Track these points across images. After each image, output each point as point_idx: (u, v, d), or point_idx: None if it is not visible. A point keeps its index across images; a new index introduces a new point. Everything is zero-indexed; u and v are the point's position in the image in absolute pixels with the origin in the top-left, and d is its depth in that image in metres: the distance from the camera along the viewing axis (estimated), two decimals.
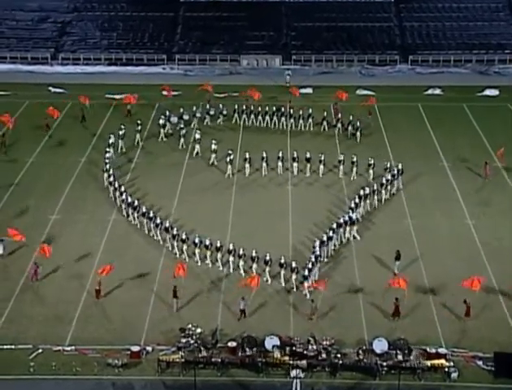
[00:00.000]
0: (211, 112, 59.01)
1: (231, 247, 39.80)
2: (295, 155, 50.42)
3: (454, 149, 54.38)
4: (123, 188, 46.19)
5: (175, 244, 41.34)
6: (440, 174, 51.05)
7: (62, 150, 54.63)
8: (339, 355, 32.74)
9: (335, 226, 41.69)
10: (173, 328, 34.61)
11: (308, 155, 50.11)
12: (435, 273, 39.53)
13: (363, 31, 79.68)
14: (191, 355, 32.77)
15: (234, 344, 33.29)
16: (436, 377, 32.32)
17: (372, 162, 49.00)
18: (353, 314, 36.28)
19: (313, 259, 38.65)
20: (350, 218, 42.61)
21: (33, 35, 79.40)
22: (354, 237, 42.58)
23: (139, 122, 56.27)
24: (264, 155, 50.07)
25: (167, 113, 58.20)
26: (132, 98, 60.83)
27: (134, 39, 79.12)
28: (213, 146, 52.02)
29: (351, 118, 56.68)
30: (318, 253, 39.20)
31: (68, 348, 33.83)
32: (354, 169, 49.25)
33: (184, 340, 33.40)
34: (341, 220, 42.45)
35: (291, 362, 32.46)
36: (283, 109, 58.58)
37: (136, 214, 44.11)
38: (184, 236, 40.98)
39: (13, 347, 33.91)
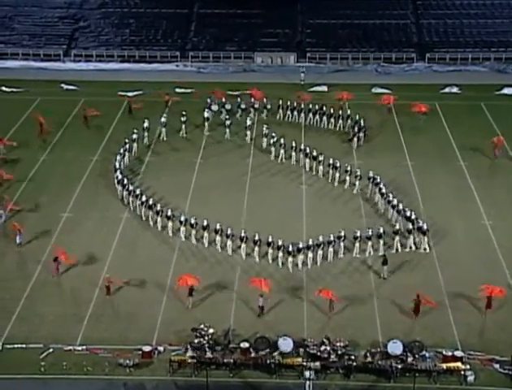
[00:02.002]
0: (256, 105, 59.81)
1: (217, 227, 41.04)
2: (307, 150, 50.79)
3: (472, 149, 54.11)
4: (117, 165, 48.58)
5: (159, 219, 43.01)
6: (458, 174, 50.83)
7: (74, 148, 54.69)
8: (353, 357, 32.70)
9: (382, 230, 41.25)
10: (185, 328, 34.62)
11: (315, 153, 50.14)
12: (451, 274, 39.41)
13: (379, 28, 79.40)
14: (203, 355, 32.81)
15: (247, 344, 33.29)
16: (451, 380, 32.21)
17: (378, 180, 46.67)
18: (368, 316, 36.23)
19: (310, 242, 39.74)
20: (420, 227, 41.63)
21: (46, 31, 79.70)
22: (425, 249, 41.56)
23: (184, 113, 56.92)
24: (293, 144, 51.54)
25: (208, 101, 59.67)
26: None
27: (147, 36, 79.17)
28: (265, 130, 54.03)
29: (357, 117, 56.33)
30: (321, 240, 39.93)
31: (79, 348, 33.94)
32: (371, 187, 46.99)
33: (196, 341, 33.43)
34: (397, 227, 41.95)
35: (304, 364, 32.44)
36: (324, 108, 58.34)
37: (124, 192, 45.97)
38: (169, 213, 42.85)
39: (24, 346, 34.04)
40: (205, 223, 41.54)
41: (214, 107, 59.38)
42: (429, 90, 66.36)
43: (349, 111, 57.86)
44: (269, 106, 59.41)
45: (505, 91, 66.31)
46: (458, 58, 75.16)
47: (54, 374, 32.55)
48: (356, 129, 55.15)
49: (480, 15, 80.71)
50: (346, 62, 75.58)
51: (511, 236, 42.98)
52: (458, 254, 41.25)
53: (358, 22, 79.90)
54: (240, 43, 77.87)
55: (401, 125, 58.56)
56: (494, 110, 61.64)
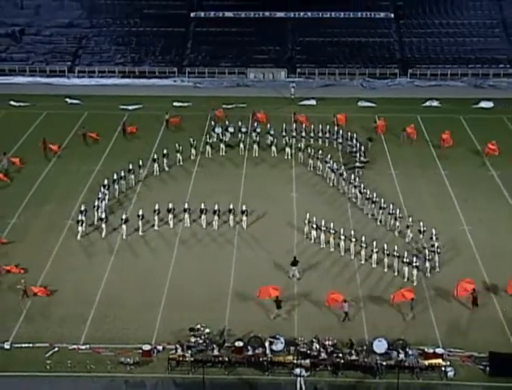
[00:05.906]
0: (258, 130, 56.75)
1: (186, 206, 43.94)
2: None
3: (451, 159, 54.34)
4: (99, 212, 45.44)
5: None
6: (438, 181, 50.98)
7: (78, 158, 54.54)
8: (341, 355, 32.71)
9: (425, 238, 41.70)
10: (183, 328, 34.57)
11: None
12: (432, 276, 39.50)
13: (365, 46, 79.83)
14: (200, 354, 32.77)
15: (241, 343, 33.25)
16: (433, 376, 32.26)
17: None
18: (356, 316, 36.27)
19: (322, 225, 41.58)
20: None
21: (51, 49, 79.78)
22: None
23: (192, 139, 55.15)
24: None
25: (212, 123, 59.01)
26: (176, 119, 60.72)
27: (147, 53, 79.41)
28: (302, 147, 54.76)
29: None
30: (332, 230, 41.39)
31: (83, 347, 33.87)
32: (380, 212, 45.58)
33: (193, 340, 33.41)
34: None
35: (295, 361, 32.42)
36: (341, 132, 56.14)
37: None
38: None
39: (31, 345, 33.98)
40: (202, 207, 43.84)
41: (218, 129, 57.14)
42: (411, 104, 66.68)
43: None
44: (272, 132, 56.27)
45: (482, 104, 66.65)
46: (438, 74, 75.62)
47: (60, 371, 32.48)
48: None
49: (458, 34, 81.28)
50: (334, 77, 75.92)
51: (488, 240, 43.10)
52: (440, 256, 41.21)
53: (345, 40, 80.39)
54: (234, 59, 78.13)
55: (386, 136, 58.63)
56: (472, 122, 61.88)
